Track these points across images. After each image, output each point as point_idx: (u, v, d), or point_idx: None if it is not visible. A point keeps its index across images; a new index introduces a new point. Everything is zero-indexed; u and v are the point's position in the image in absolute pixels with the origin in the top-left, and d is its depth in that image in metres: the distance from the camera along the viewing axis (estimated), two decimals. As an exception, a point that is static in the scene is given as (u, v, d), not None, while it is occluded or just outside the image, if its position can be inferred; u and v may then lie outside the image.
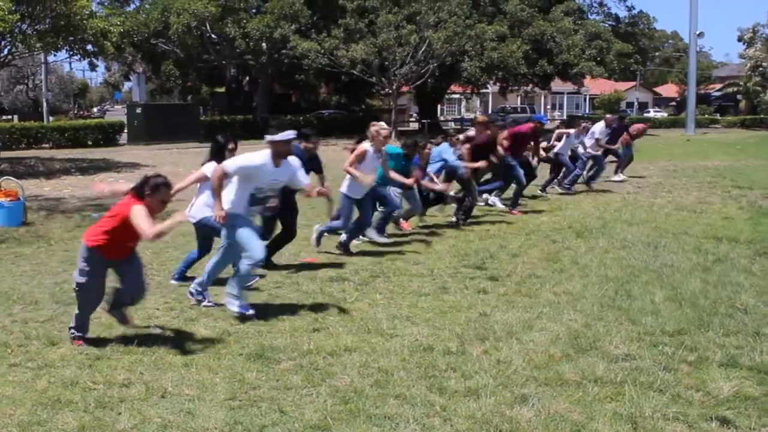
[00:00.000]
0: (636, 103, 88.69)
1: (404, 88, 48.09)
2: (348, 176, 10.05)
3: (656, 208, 14.59)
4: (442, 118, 70.42)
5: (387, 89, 43.51)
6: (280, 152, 7.41)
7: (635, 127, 21.39)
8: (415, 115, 68.34)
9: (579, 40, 47.83)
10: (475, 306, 7.65)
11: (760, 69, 66.47)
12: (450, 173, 12.49)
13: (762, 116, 67.16)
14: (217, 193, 7.22)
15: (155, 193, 6.29)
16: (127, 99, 74.40)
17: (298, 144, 8.89)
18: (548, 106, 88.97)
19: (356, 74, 41.38)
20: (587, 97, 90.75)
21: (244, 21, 41.10)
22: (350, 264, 9.66)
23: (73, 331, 6.54)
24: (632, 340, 6.54)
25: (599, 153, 17.65)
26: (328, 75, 47.56)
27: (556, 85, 64.36)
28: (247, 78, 54.23)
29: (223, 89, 57.18)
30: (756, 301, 7.65)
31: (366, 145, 10.05)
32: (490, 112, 72.61)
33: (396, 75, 40.86)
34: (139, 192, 6.27)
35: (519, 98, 76.72)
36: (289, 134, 7.37)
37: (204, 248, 8.64)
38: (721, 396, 5.27)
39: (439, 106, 68.62)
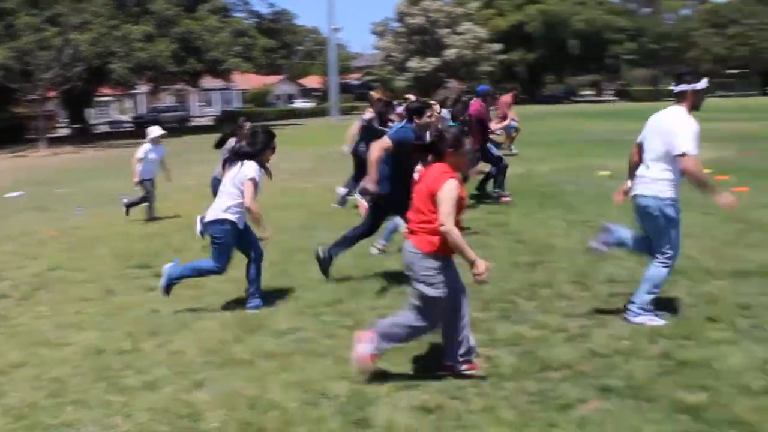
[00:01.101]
0: (284, 95, 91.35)
1: (51, 93, 45.48)
2: None
3: (308, 192, 15.36)
4: (93, 122, 67.53)
5: (32, 95, 40.75)
6: None
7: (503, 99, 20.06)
8: (64, 120, 64.90)
9: (226, 38, 48.33)
10: (143, 304, 7.63)
11: (391, 58, 71.55)
12: None
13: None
14: None
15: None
16: None
17: None
18: (200, 103, 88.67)
19: (-3, 81, 38.34)
20: (238, 92, 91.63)
21: None
22: (9, 279, 9.15)
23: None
24: (296, 314, 6.96)
25: None
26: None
27: (207, 81, 64.37)
28: None
29: None
30: (401, 265, 8.44)
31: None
32: (144, 112, 70.80)
33: (41, 80, 38.47)
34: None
35: (171, 97, 75.75)
36: None
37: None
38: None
39: (89, 110, 65.61)
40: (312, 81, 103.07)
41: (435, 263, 5.06)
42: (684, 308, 6.52)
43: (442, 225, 4.90)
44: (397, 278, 7.96)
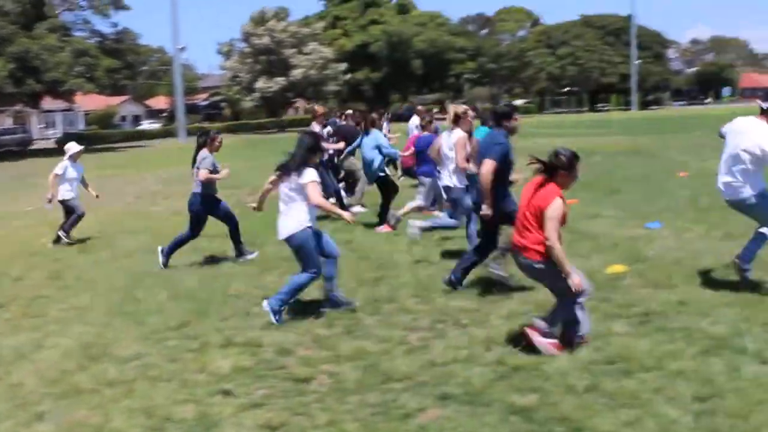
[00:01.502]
0: (129, 117, 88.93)
1: None
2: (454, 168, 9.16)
3: (155, 215, 15.06)
4: None
5: None
6: None
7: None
8: None
9: (66, 57, 46.58)
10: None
11: (238, 79, 71.04)
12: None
13: (245, 121, 71.82)
14: None
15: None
16: None
17: None
18: (41, 125, 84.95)
19: None
20: (81, 114, 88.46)
21: None
22: None
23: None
24: (140, 339, 6.83)
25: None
26: None
27: (48, 103, 61.84)
28: None
29: None
30: (246, 286, 8.46)
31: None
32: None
33: None
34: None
35: (10, 119, 72.24)
36: None
37: None
38: (222, 372, 5.82)
39: None
40: (159, 102, 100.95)
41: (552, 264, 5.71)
42: (517, 316, 6.83)
43: (547, 240, 5.59)
44: (243, 297, 7.96)
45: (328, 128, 15.09)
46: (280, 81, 69.89)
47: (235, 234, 10.09)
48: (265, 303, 7.09)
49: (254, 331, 6.82)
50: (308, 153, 7.28)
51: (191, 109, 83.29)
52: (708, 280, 7.83)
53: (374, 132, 12.73)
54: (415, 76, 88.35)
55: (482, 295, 7.56)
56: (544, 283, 6.16)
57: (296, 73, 69.83)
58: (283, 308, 7.13)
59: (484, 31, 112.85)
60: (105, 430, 4.99)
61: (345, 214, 7.71)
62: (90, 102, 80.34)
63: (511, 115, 7.88)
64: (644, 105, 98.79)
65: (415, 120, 17.17)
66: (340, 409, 5.04)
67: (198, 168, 9.67)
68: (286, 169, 7.31)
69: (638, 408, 4.81)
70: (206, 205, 9.86)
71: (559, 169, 5.73)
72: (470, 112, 9.62)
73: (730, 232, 10.08)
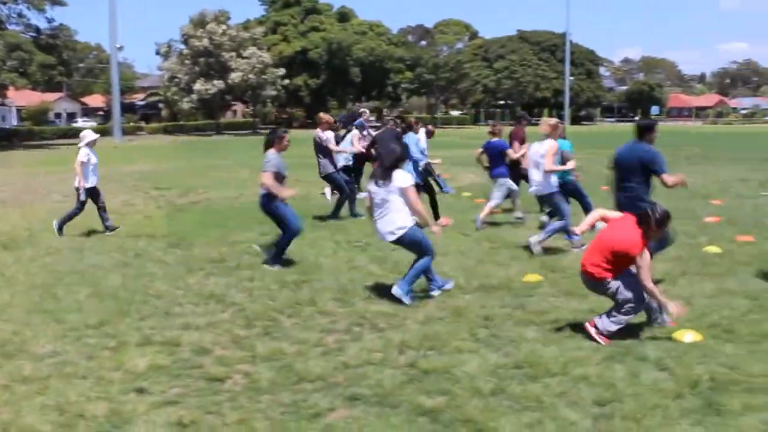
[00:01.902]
0: (64, 114, 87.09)
1: None
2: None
3: (84, 213, 14.78)
4: None
5: None
6: None
7: None
8: None
9: (-1, 51, 45.48)
10: None
11: (176, 80, 70.20)
12: None
13: (182, 123, 71.05)
14: None
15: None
16: None
17: None
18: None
19: None
20: (14, 109, 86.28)
21: None
22: None
23: None
24: (58, 337, 6.73)
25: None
26: None
27: (-21, 97, 60.16)
28: None
29: None
30: (168, 287, 8.42)
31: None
32: None
33: None
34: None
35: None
36: None
37: None
38: (138, 371, 5.79)
39: None
40: (95, 100, 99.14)
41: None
42: (433, 321, 6.96)
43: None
44: (165, 297, 7.92)
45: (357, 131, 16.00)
46: (218, 84, 69.26)
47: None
48: (395, 288, 7.61)
49: (173, 330, 6.80)
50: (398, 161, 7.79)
51: (128, 109, 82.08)
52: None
53: (410, 135, 13.18)
54: (353, 84, 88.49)
55: (399, 300, 7.66)
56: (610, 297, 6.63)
57: (235, 77, 69.27)
58: (411, 289, 7.71)
59: (424, 42, 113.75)
60: (15, 425, 4.91)
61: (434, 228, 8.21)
62: (24, 98, 78.60)
63: (653, 128, 8.53)
64: (576, 120, 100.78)
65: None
66: (252, 408, 5.07)
67: (264, 170, 9.35)
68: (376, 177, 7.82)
69: (540, 411, 4.95)
70: (272, 202, 9.44)
71: (653, 225, 6.35)
72: (560, 125, 10.85)
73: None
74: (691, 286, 8.25)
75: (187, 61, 70.77)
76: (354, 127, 16.21)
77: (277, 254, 9.42)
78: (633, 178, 8.27)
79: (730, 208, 14.29)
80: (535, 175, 10.50)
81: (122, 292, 8.19)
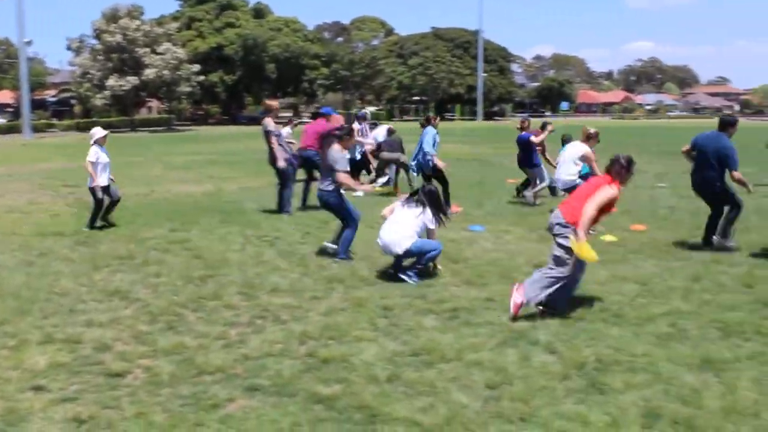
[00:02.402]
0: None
1: None
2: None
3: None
4: None
5: None
6: None
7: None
8: None
9: None
10: None
11: (89, 76, 68.42)
12: None
13: (95, 119, 69.32)
14: None
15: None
16: None
17: None
18: None
19: None
20: None
21: None
22: None
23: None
24: (-44, 337, 6.58)
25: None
26: None
27: None
28: None
29: None
30: (73, 284, 8.28)
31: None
32: None
33: None
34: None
35: None
36: None
37: None
38: (38, 369, 5.70)
39: None
40: (4, 96, 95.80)
41: None
42: (335, 312, 7.06)
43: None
44: (69, 295, 7.80)
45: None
46: (132, 80, 67.70)
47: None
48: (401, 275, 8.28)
49: (75, 327, 6.71)
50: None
51: (39, 105, 79.60)
52: (516, 278, 8.28)
53: (428, 129, 13.98)
54: (269, 80, 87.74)
55: (303, 293, 7.74)
56: None
57: (149, 73, 67.83)
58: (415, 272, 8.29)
59: (340, 39, 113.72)
60: None
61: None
62: None
63: (735, 124, 9.98)
64: (489, 115, 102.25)
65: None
66: (151, 401, 5.07)
67: (338, 170, 9.30)
68: None
69: (434, 396, 5.10)
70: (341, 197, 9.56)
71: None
72: (595, 134, 12.35)
73: (544, 235, 10.69)
74: (585, 273, 8.55)
75: (99, 57, 68.95)
76: (357, 120, 17.83)
77: (347, 247, 9.50)
78: (711, 163, 9.84)
79: (627, 199, 14.78)
80: (564, 171, 12.12)
81: (25, 291, 8.00)
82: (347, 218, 9.54)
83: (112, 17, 69.04)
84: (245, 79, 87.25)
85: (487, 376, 5.44)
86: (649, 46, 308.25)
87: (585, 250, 6.72)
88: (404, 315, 6.98)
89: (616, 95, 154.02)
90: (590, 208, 6.79)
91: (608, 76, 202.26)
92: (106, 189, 11.88)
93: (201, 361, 5.75)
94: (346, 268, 8.76)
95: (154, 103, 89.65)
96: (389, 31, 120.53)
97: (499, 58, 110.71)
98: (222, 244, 10.44)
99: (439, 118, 15.56)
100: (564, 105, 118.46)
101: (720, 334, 6.44)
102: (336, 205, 9.51)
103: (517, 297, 6.86)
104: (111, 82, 67.03)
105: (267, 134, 13.12)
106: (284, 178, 13.35)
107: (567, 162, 12.13)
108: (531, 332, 6.44)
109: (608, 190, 6.96)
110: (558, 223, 7.04)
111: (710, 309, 7.13)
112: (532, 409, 4.86)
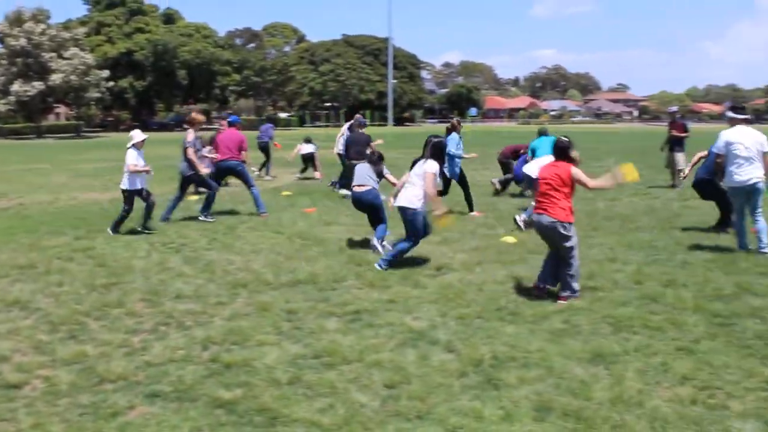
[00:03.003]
0: None
1: None
2: None
3: None
4: None
5: None
6: None
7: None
8: None
9: None
10: None
11: None
12: None
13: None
14: None
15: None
16: None
17: None
18: None
19: None
20: None
21: None
22: None
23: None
24: None
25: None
26: None
27: None
28: None
29: None
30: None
31: None
32: None
33: None
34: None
35: None
36: None
37: None
38: (-70, 383, 5.51)
39: None
40: None
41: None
42: (239, 317, 7.03)
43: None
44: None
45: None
46: (38, 85, 65.54)
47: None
48: (375, 265, 8.99)
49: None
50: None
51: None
52: (418, 280, 8.44)
53: (452, 135, 13.85)
54: (180, 86, 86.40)
55: (207, 298, 7.70)
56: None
57: (56, 78, 65.79)
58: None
59: (252, 45, 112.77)
60: None
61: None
62: None
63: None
64: (399, 121, 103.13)
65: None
66: (49, 411, 4.96)
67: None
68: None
69: (333, 396, 5.15)
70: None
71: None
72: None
73: (446, 237, 10.90)
74: (484, 273, 8.76)
75: (3, 61, 66.50)
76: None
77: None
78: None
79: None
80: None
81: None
82: (379, 220, 10.46)
83: (16, 20, 66.72)
84: (156, 85, 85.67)
85: (387, 375, 5.51)
86: (552, 53, 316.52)
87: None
88: (307, 318, 7.01)
89: (522, 101, 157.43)
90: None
91: (515, 82, 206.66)
92: (139, 192, 11.69)
93: (102, 370, 5.65)
94: (250, 274, 8.72)
95: (62, 110, 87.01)
96: (301, 38, 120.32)
97: (408, 65, 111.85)
98: (127, 252, 10.25)
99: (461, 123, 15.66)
100: (472, 111, 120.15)
101: (611, 329, 6.68)
102: (375, 205, 10.43)
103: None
104: (15, 87, 64.75)
105: (186, 147, 12.84)
106: (207, 184, 13.20)
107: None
108: (431, 332, 6.55)
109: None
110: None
111: (602, 305, 7.38)
112: (429, 407, 4.96)
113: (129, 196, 11.65)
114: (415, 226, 9.04)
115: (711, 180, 11.52)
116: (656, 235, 11.31)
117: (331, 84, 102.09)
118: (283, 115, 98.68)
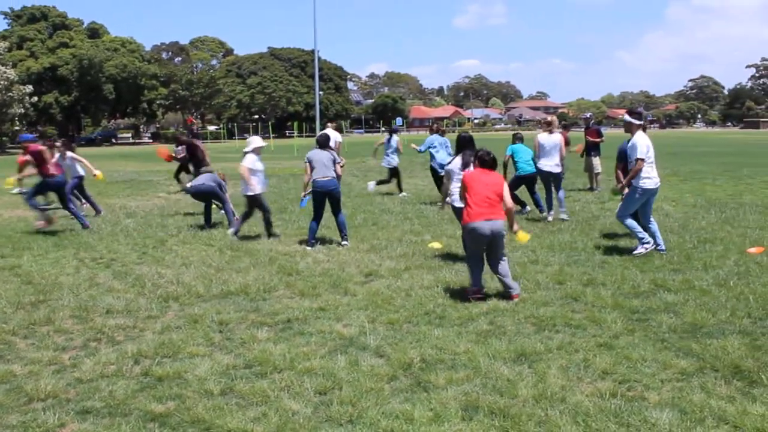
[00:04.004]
0: None
1: None
2: None
3: None
4: None
5: None
6: None
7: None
8: None
9: None
10: None
11: None
12: None
13: None
14: None
15: None
16: None
17: None
18: None
19: None
20: None
21: None
22: None
23: None
24: None
25: None
26: None
27: None
28: None
29: None
30: None
31: None
32: None
33: None
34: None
35: None
36: None
37: None
38: None
39: None
40: None
41: None
42: (170, 330, 6.93)
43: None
44: None
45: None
46: (-42, 102, 63.44)
47: None
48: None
49: None
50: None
51: None
52: (347, 287, 8.46)
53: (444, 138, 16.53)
54: (107, 101, 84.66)
55: (138, 312, 7.58)
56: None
57: (-23, 94, 63.78)
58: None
59: (179, 59, 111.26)
60: None
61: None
62: None
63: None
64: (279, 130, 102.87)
65: None
66: (-27, 435, 4.82)
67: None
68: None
69: (266, 405, 5.12)
70: None
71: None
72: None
73: (374, 245, 10.96)
74: (412, 279, 8.83)
75: None
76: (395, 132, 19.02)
77: None
78: None
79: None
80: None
81: None
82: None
83: (-65, 37, 64.43)
84: (82, 100, 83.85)
85: (318, 382, 5.52)
86: (474, 63, 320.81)
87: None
88: (239, 329, 6.97)
89: (447, 110, 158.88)
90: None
91: (439, 92, 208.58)
92: (255, 197, 11.73)
93: (30, 388, 5.50)
94: (182, 287, 8.61)
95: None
96: (228, 51, 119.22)
97: (335, 77, 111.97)
98: (55, 268, 10.00)
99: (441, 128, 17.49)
100: (398, 120, 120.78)
101: (534, 328, 6.83)
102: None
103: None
104: (-65, 104, 62.48)
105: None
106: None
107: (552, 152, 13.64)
108: (361, 338, 6.59)
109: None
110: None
111: (525, 306, 7.53)
112: (360, 411, 4.98)
113: (251, 199, 11.80)
114: None
115: None
116: (576, 236, 11.57)
117: (259, 96, 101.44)
118: (211, 128, 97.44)
